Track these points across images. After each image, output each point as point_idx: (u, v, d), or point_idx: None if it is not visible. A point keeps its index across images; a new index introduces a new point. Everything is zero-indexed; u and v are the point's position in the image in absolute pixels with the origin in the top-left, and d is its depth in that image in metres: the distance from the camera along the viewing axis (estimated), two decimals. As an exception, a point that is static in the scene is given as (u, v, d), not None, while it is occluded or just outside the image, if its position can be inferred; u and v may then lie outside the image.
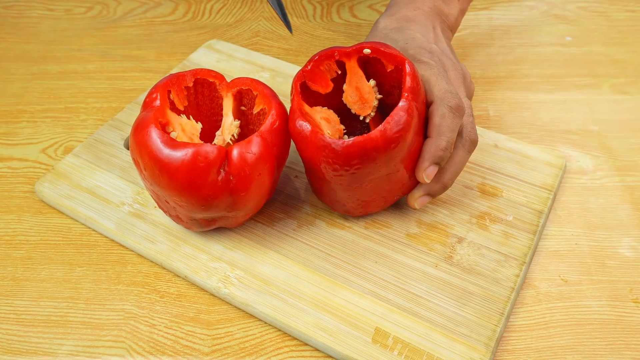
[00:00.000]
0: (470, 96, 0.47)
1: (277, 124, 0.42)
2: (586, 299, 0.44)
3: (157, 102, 0.41)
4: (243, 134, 0.47)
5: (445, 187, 0.45)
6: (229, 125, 0.45)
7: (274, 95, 0.44)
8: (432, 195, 0.45)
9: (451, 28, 0.53)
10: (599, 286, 0.44)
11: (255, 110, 0.44)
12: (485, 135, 0.54)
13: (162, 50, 0.68)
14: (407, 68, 0.41)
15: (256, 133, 0.41)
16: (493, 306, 0.42)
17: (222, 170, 0.39)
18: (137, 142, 0.40)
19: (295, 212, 0.48)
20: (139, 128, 0.40)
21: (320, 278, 0.43)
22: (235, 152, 0.39)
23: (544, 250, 0.47)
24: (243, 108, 0.46)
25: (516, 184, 0.50)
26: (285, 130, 0.42)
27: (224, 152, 0.39)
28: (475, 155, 0.52)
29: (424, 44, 0.46)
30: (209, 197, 0.40)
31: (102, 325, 0.43)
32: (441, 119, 0.41)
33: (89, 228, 0.49)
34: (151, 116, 0.40)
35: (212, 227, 0.45)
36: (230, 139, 0.44)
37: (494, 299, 0.42)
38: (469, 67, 0.64)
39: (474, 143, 0.44)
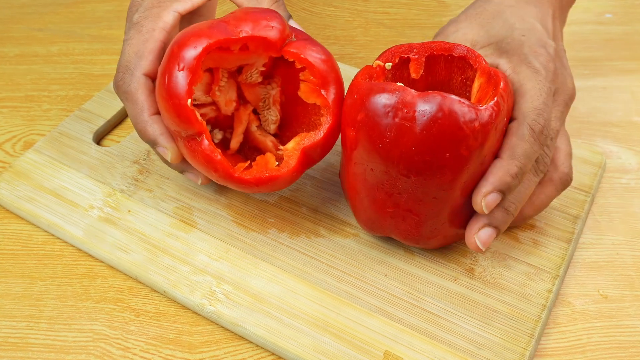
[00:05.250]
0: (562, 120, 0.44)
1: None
2: (629, 318, 0.44)
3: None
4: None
5: (523, 220, 0.45)
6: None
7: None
8: (499, 227, 0.41)
9: (564, 10, 0.50)
10: (644, 303, 0.44)
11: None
12: (512, 128, 0.54)
13: (137, 30, 0.68)
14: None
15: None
16: (521, 326, 0.42)
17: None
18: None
19: (291, 217, 0.48)
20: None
21: (320, 294, 0.43)
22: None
23: (581, 262, 0.47)
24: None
25: (548, 184, 0.50)
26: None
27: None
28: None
29: (543, 40, 0.44)
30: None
31: (68, 348, 0.43)
32: (519, 140, 0.40)
33: (53, 236, 0.49)
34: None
35: None
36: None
37: (523, 318, 0.42)
38: (493, 49, 0.64)
39: (566, 184, 0.44)
